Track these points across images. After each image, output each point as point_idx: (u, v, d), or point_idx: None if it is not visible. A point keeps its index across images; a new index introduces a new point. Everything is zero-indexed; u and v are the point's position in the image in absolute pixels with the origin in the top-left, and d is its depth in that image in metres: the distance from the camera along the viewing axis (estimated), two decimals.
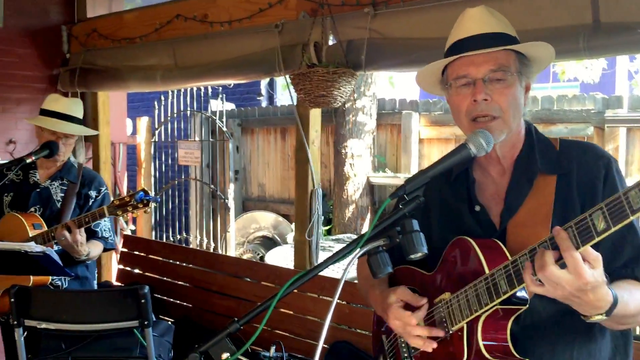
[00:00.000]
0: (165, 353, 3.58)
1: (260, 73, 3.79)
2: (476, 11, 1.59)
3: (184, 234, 7.86)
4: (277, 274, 3.83)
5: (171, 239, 7.79)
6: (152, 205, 2.95)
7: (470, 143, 1.46)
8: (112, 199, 3.15)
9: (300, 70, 3.15)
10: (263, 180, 8.11)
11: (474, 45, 1.54)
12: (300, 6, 3.37)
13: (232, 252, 7.25)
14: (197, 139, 7.62)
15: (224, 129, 7.17)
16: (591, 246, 1.24)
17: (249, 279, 4.01)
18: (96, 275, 3.53)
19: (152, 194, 2.94)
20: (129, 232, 5.57)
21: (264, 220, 7.52)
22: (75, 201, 3.23)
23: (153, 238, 7.28)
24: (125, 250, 4.74)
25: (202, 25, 3.86)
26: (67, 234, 2.93)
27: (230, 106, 8.37)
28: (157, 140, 7.51)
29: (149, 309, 2.63)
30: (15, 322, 2.65)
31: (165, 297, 4.36)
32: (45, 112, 3.26)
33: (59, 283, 3.16)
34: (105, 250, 3.30)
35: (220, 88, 7.12)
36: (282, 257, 5.88)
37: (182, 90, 7.28)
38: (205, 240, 7.43)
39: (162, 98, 7.33)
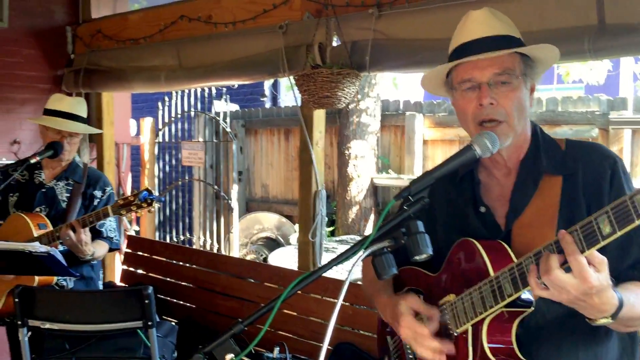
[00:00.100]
0: (168, 353, 3.58)
1: (264, 74, 3.79)
2: (480, 14, 1.58)
3: (188, 235, 7.86)
4: (280, 275, 3.83)
5: (175, 239, 7.80)
6: (156, 205, 2.95)
7: (475, 144, 1.46)
8: (116, 199, 3.15)
9: (304, 71, 3.15)
10: (267, 181, 8.11)
11: (478, 48, 1.53)
12: (305, 7, 3.37)
13: (236, 253, 7.25)
14: (200, 139, 7.63)
15: (228, 129, 7.18)
16: (599, 248, 1.23)
17: (252, 280, 4.01)
18: (102, 275, 3.53)
19: (155, 194, 2.94)
20: (132, 233, 5.58)
21: (268, 221, 7.52)
22: (81, 201, 3.23)
23: (156, 239, 7.29)
24: (128, 250, 4.75)
25: (206, 26, 3.87)
26: (71, 233, 2.93)
27: (234, 107, 8.38)
28: (160, 141, 7.52)
29: (153, 310, 2.63)
30: (20, 322, 2.65)
31: (168, 298, 4.36)
32: (50, 112, 3.27)
33: (65, 283, 3.16)
34: (110, 250, 3.30)
35: (224, 89, 7.13)
36: (285, 258, 5.88)
37: (186, 91, 7.30)
38: (209, 241, 7.44)
39: (166, 99, 7.34)
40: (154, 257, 4.59)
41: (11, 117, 4.72)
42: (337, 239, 6.57)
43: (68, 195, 3.24)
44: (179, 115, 7.46)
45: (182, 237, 7.81)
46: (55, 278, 3.05)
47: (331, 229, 7.08)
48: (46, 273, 2.92)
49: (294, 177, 7.36)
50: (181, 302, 4.31)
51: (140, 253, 4.68)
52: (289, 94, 9.35)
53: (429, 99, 7.22)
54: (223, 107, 7.07)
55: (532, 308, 1.43)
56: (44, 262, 2.73)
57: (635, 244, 1.48)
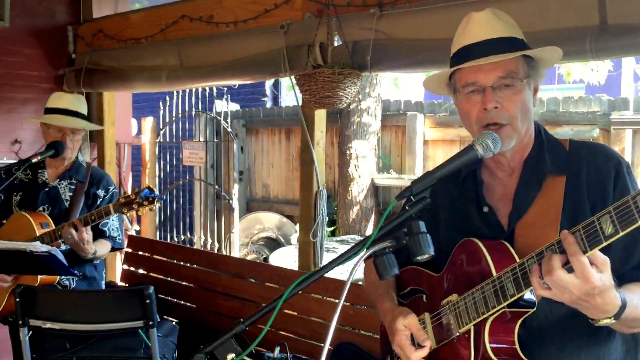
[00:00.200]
0: (169, 353, 3.58)
1: (265, 74, 3.79)
2: (482, 15, 1.56)
3: (188, 235, 7.86)
4: (281, 275, 3.82)
5: (175, 239, 7.80)
6: (157, 203, 2.95)
7: (477, 144, 1.46)
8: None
9: (305, 71, 3.15)
10: (267, 181, 8.11)
11: (481, 51, 1.51)
12: (306, 7, 3.37)
13: (236, 252, 7.25)
14: (201, 139, 7.63)
15: (229, 129, 7.18)
16: (603, 249, 1.23)
17: (253, 280, 4.01)
18: (104, 275, 3.53)
19: (156, 192, 2.94)
20: (133, 232, 5.58)
21: (268, 221, 7.52)
22: (84, 200, 3.23)
23: (157, 238, 7.29)
24: (129, 250, 4.75)
25: (207, 26, 3.86)
26: (73, 232, 2.93)
27: (235, 107, 8.38)
28: (161, 140, 7.52)
29: (154, 309, 2.63)
30: (21, 322, 2.65)
31: (169, 298, 4.36)
32: (51, 110, 3.27)
33: (67, 283, 3.16)
34: (113, 249, 3.29)
35: (225, 89, 7.12)
36: (286, 258, 5.88)
37: (187, 90, 7.29)
38: (210, 241, 7.43)
39: (167, 98, 7.34)
40: (155, 256, 4.59)
41: (12, 116, 4.72)
42: (338, 239, 6.56)
43: (71, 194, 3.24)
44: (180, 115, 7.45)
45: (182, 237, 7.81)
46: (57, 277, 3.05)
47: (332, 229, 7.08)
48: (47, 272, 2.92)
49: (295, 177, 7.35)
50: (182, 302, 4.31)
51: (141, 253, 4.68)
52: (290, 94, 9.36)
53: (430, 98, 7.22)
54: (224, 107, 7.06)
55: (535, 308, 1.42)
56: (45, 262, 2.74)
57: (639, 245, 1.47)
